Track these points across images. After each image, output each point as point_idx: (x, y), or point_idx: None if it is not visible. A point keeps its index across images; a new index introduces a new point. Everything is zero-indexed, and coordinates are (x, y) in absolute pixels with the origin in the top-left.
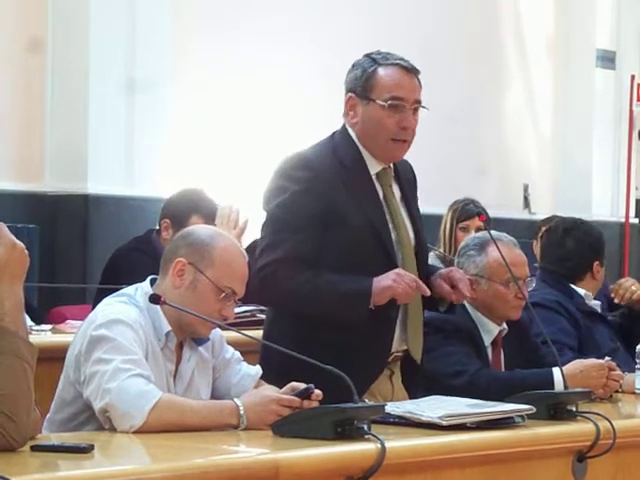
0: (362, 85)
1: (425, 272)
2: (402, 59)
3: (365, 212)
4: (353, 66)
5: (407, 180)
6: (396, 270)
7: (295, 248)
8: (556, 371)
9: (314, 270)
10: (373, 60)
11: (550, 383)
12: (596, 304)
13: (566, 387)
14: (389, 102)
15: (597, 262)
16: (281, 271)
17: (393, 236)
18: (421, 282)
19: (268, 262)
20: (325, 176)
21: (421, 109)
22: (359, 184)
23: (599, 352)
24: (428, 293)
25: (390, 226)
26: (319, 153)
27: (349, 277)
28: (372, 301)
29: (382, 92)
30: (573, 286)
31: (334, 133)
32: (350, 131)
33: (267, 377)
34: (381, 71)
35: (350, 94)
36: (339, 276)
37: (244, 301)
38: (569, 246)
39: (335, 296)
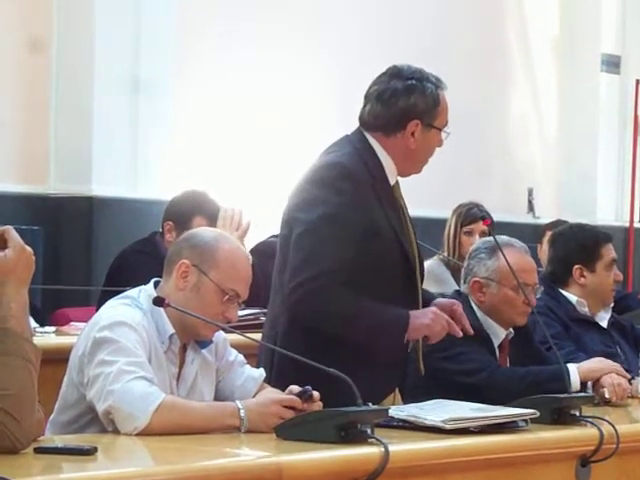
0: (432, 112)
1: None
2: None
3: (392, 224)
4: (410, 91)
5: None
6: (432, 309)
7: (339, 261)
8: (572, 367)
9: (353, 292)
10: (435, 86)
11: (567, 377)
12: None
13: (582, 383)
14: (446, 129)
15: (578, 266)
16: (326, 289)
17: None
18: (454, 324)
19: (312, 275)
20: (365, 188)
21: None
22: (384, 195)
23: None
24: (460, 334)
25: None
26: (354, 162)
27: (387, 307)
28: (407, 335)
29: (443, 120)
30: (563, 292)
31: (348, 137)
32: (371, 140)
33: (268, 381)
34: (442, 97)
35: (416, 121)
36: (379, 304)
37: (249, 304)
38: (554, 250)
39: (375, 325)
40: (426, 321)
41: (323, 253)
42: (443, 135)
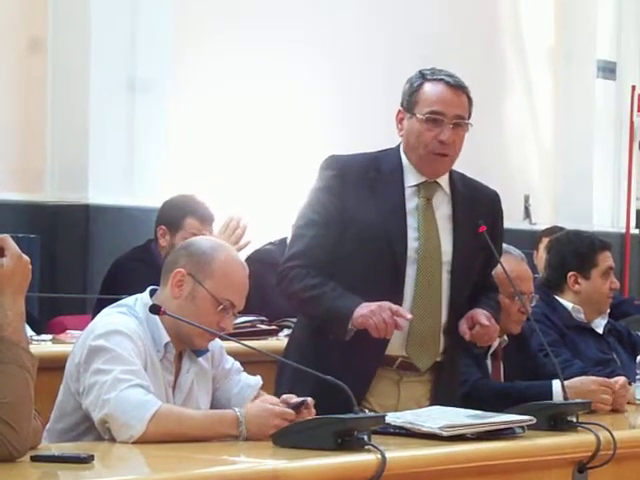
0: (408, 99)
1: (468, 298)
2: (450, 75)
3: (383, 218)
4: (406, 81)
5: (475, 205)
6: (383, 303)
7: (310, 244)
8: (555, 383)
9: (324, 276)
10: (422, 76)
11: (549, 395)
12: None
13: (566, 398)
14: (427, 116)
15: (573, 273)
16: (295, 269)
17: (414, 245)
18: (402, 321)
19: (288, 256)
20: (348, 176)
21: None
22: (386, 192)
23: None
24: (386, 335)
25: (413, 235)
26: (356, 157)
27: (345, 294)
28: (352, 324)
29: (423, 107)
30: (558, 298)
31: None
32: (401, 143)
33: (279, 386)
34: (426, 86)
35: (400, 108)
36: (338, 291)
37: (243, 312)
38: (550, 256)
39: (323, 309)
40: (364, 312)
41: (296, 237)
42: (448, 126)
